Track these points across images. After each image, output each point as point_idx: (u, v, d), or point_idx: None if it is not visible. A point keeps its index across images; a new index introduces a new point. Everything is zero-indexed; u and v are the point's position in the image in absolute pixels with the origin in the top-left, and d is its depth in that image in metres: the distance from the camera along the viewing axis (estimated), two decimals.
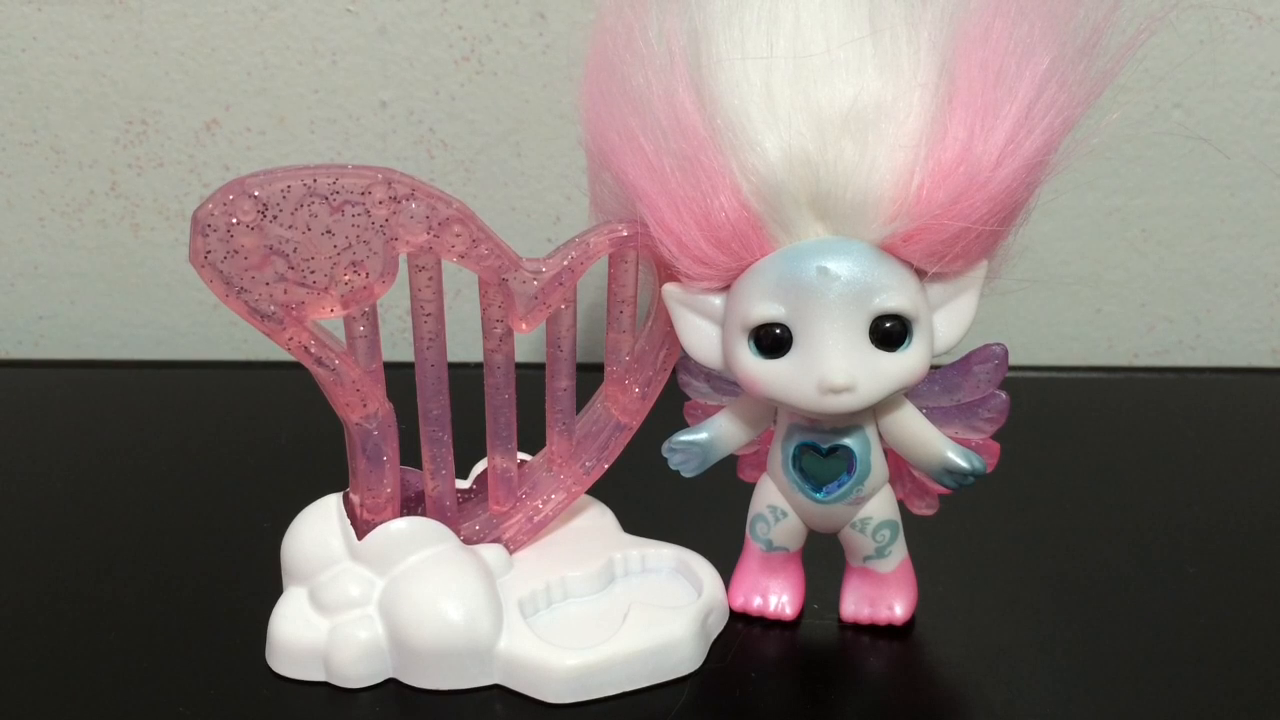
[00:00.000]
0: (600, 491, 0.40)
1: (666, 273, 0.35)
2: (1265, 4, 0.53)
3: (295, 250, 0.33)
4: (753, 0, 0.32)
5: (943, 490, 0.36)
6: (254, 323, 0.33)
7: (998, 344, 0.34)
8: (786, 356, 0.32)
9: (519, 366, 0.37)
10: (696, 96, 0.32)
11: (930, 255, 0.32)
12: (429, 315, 0.35)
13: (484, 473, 0.39)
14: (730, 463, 0.38)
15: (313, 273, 0.33)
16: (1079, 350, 0.59)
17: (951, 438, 0.34)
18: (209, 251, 0.32)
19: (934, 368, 0.34)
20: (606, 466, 0.39)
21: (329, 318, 0.34)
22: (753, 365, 0.33)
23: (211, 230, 0.32)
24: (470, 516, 0.39)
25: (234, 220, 0.32)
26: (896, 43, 0.31)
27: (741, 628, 0.37)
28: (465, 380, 0.38)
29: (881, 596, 0.37)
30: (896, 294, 0.32)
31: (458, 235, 0.34)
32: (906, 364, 0.32)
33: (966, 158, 0.31)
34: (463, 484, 0.40)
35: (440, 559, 0.36)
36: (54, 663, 0.36)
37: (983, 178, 0.31)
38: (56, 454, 0.50)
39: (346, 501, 0.37)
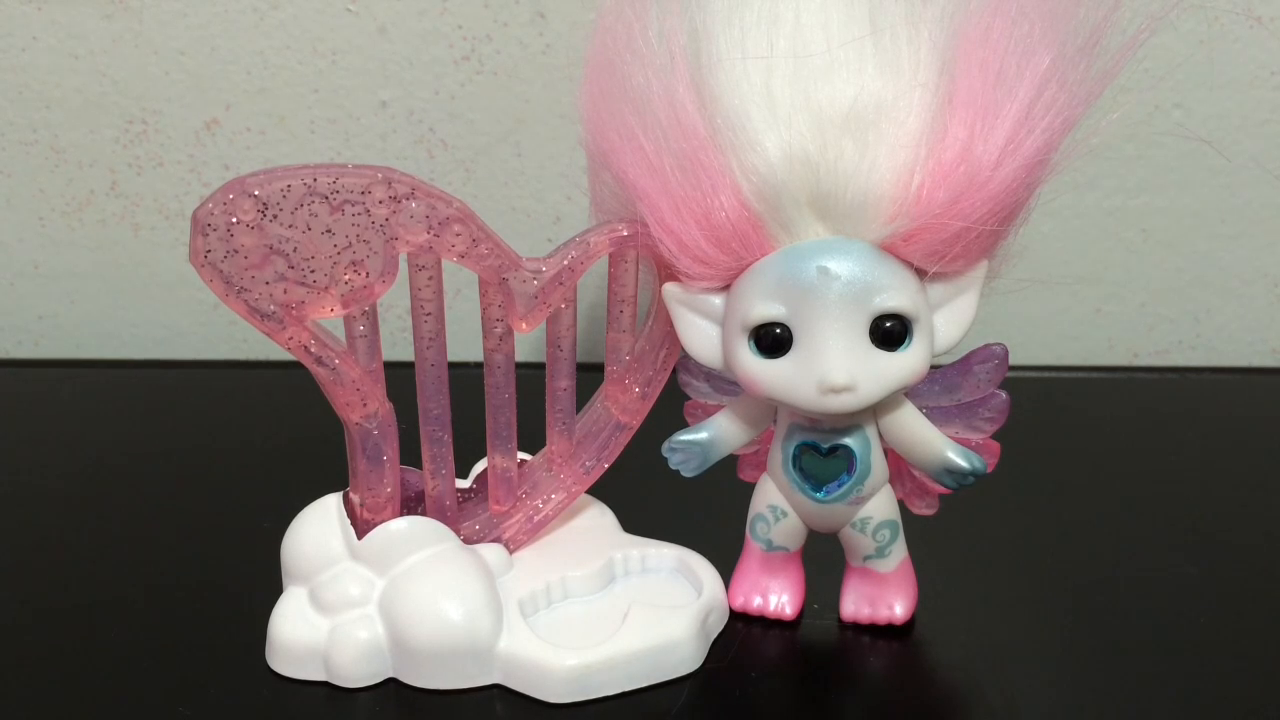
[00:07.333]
0: (600, 491, 0.40)
1: (666, 272, 0.35)
2: (1265, 4, 0.52)
3: (295, 250, 0.33)
4: (753, 0, 0.32)
5: (943, 490, 0.36)
6: (254, 322, 0.33)
7: (998, 344, 0.34)
8: (786, 356, 0.32)
9: (519, 366, 0.37)
10: (697, 96, 0.32)
11: (930, 255, 0.32)
12: (429, 315, 0.35)
13: (484, 472, 0.39)
14: (730, 463, 0.38)
15: (313, 272, 0.33)
16: (1079, 350, 0.59)
17: (951, 438, 0.34)
18: (209, 251, 0.32)
19: (934, 368, 0.34)
20: (606, 466, 0.39)
21: (329, 317, 0.34)
22: (753, 365, 0.33)
23: (211, 230, 0.32)
24: (470, 516, 0.39)
25: (234, 220, 0.32)
26: (897, 43, 0.31)
27: (741, 628, 0.37)
28: (465, 380, 0.38)
29: (881, 596, 0.37)
30: (897, 294, 0.32)
31: (458, 235, 0.34)
32: (907, 364, 0.32)
33: (967, 158, 0.31)
34: (463, 484, 0.40)
35: (440, 559, 0.36)
36: (54, 662, 0.36)
37: (983, 177, 0.31)
38: (56, 454, 0.50)
39: (346, 501, 0.37)
